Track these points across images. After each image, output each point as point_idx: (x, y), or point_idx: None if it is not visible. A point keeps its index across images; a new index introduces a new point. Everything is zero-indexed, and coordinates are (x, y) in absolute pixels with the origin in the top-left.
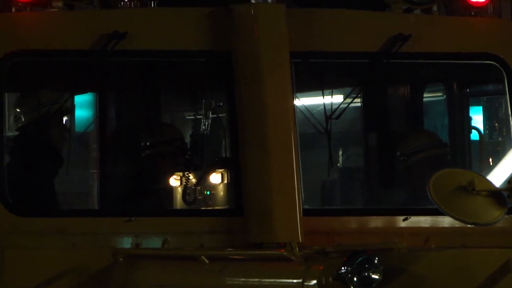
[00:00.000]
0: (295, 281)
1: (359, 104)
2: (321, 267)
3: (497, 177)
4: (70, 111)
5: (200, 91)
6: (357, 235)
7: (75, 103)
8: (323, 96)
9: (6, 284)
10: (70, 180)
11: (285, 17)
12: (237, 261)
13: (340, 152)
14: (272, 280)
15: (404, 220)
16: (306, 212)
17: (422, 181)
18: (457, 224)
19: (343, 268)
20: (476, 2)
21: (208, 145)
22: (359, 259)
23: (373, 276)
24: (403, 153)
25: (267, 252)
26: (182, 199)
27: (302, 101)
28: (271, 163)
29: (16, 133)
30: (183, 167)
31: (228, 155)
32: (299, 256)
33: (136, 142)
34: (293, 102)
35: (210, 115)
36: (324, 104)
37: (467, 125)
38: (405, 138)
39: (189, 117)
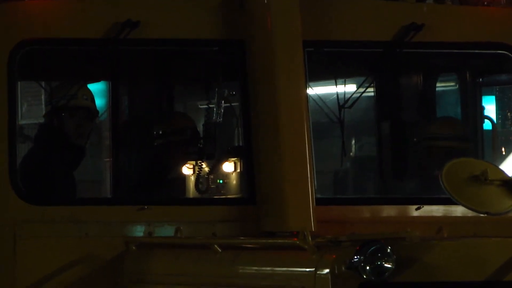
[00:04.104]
0: (307, 270)
1: (372, 94)
2: (334, 256)
3: (509, 166)
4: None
5: (213, 80)
6: (370, 224)
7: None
8: (336, 85)
9: (18, 272)
10: (83, 169)
11: (298, 6)
12: (249, 249)
13: (353, 142)
14: (284, 269)
15: (417, 209)
16: (318, 201)
17: (435, 171)
18: (469, 213)
19: (355, 257)
20: None
21: (221, 134)
22: (372, 248)
23: (386, 265)
24: (416, 142)
25: (279, 241)
26: (195, 187)
27: (315, 90)
28: (284, 152)
29: (29, 122)
30: (196, 156)
31: (241, 144)
32: (311, 245)
33: (149, 131)
34: (306, 91)
35: (223, 104)
36: (337, 93)
37: (480, 115)
38: (417, 127)
39: (202, 106)
